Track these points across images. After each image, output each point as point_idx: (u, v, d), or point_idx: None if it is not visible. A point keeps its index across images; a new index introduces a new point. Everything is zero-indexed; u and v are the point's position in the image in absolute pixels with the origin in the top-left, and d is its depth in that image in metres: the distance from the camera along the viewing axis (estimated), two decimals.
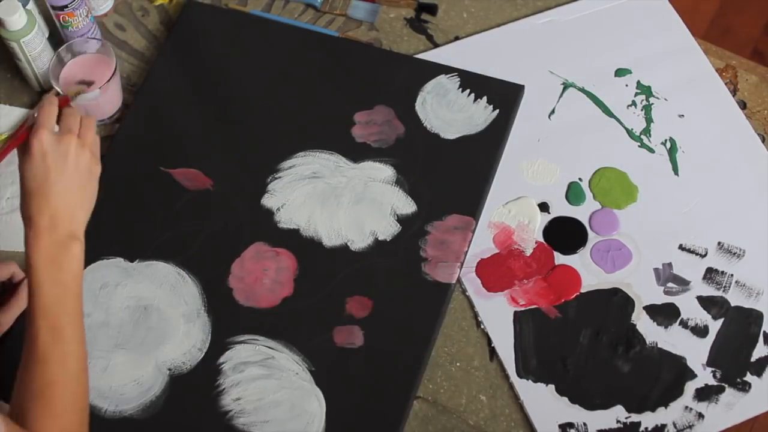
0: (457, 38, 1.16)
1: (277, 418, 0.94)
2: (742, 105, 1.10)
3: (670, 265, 1.01)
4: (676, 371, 0.96)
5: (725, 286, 0.99)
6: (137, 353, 0.97)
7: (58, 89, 1.07)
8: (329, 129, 1.09)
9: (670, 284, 1.00)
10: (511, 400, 0.96)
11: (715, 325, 0.98)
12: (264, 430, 0.93)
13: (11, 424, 0.76)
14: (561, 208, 1.04)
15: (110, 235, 1.03)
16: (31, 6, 1.10)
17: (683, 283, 1.00)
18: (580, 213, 1.04)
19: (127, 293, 1.00)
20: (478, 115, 1.08)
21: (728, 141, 1.08)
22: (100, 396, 0.95)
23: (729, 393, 0.95)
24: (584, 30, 1.15)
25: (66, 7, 1.08)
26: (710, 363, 0.96)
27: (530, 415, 0.94)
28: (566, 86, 1.12)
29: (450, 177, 1.05)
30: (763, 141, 1.08)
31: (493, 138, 1.07)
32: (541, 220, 1.04)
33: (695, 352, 0.96)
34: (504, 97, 1.09)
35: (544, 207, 1.05)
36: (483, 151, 1.06)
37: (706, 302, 0.99)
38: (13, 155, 1.11)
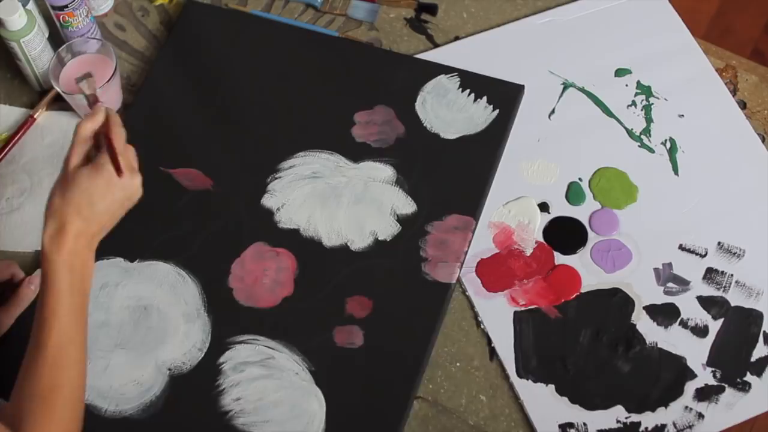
0: (457, 38, 1.16)
1: (277, 418, 0.94)
2: (742, 105, 1.10)
3: (670, 265, 1.01)
4: (676, 371, 0.96)
5: (725, 286, 0.99)
6: (137, 353, 0.97)
7: (59, 89, 1.07)
8: (329, 129, 1.09)
9: (670, 284, 1.00)
10: (511, 400, 0.96)
11: (715, 325, 0.98)
12: (264, 430, 0.93)
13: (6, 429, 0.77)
14: (561, 208, 1.04)
15: (110, 235, 1.03)
16: (31, 6, 1.11)
17: (683, 283, 1.00)
18: (580, 213, 1.04)
19: (127, 293, 1.00)
20: (478, 115, 1.08)
21: (728, 141, 1.08)
22: (100, 396, 0.95)
23: (729, 393, 0.94)
24: (584, 30, 1.15)
25: (66, 7, 1.08)
26: (710, 363, 0.96)
27: (530, 415, 0.94)
28: (566, 86, 1.12)
29: (450, 177, 1.05)
30: (763, 141, 1.08)
31: (493, 138, 1.07)
32: (541, 220, 1.04)
33: (695, 352, 0.96)
34: (504, 97, 1.09)
35: (544, 207, 1.05)
36: (483, 151, 1.06)
37: (706, 302, 0.99)
38: (13, 155, 1.11)
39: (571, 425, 0.94)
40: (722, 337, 0.97)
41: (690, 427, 0.93)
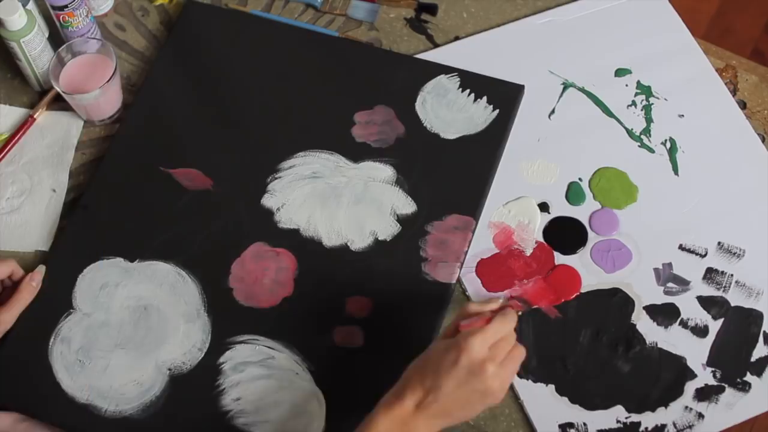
0: (457, 38, 1.16)
1: (277, 418, 0.94)
2: (742, 105, 1.10)
3: (670, 265, 1.01)
4: (676, 371, 0.96)
5: (725, 286, 0.99)
6: (137, 353, 0.97)
7: (59, 89, 1.07)
8: (329, 129, 1.09)
9: (670, 284, 1.00)
10: (511, 399, 0.96)
11: (715, 325, 0.98)
12: (264, 430, 0.93)
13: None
14: (561, 208, 1.04)
15: (110, 235, 1.03)
16: (31, 6, 1.11)
17: (683, 283, 1.00)
18: (580, 213, 1.04)
19: (127, 293, 1.00)
20: (478, 115, 1.08)
21: (728, 141, 1.08)
22: (100, 396, 0.95)
23: (729, 393, 0.95)
24: (584, 30, 1.15)
25: (66, 7, 1.08)
26: (710, 363, 0.96)
27: (530, 415, 0.94)
28: (566, 86, 1.12)
29: (450, 177, 1.05)
30: (763, 141, 1.08)
31: (493, 138, 1.07)
32: (541, 220, 1.04)
33: (695, 352, 0.96)
34: (504, 97, 1.09)
35: (544, 207, 1.05)
36: (483, 151, 1.06)
37: (706, 302, 0.99)
38: (13, 155, 1.11)
39: (571, 425, 0.94)
40: (722, 337, 0.97)
41: (690, 427, 0.93)
